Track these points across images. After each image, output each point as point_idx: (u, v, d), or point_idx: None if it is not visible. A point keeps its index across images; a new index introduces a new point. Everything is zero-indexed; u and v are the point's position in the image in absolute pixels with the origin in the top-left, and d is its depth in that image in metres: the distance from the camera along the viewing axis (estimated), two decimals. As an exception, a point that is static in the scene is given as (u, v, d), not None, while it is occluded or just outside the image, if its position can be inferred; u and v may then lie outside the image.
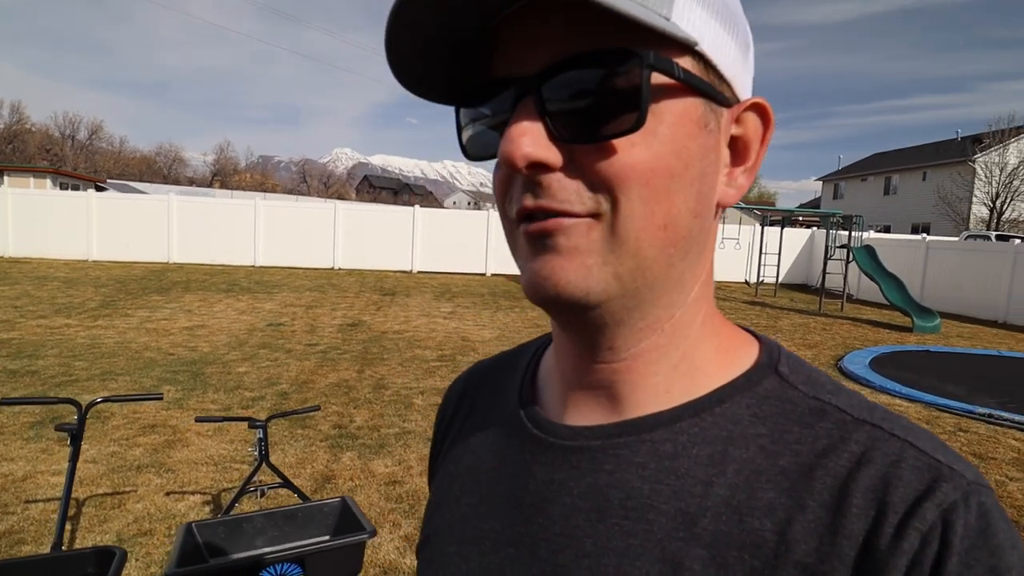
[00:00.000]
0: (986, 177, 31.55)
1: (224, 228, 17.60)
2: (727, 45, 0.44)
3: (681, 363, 0.48)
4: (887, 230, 31.15)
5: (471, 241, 18.80)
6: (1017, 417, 6.07)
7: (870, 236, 17.60)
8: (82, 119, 58.26)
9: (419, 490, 4.14)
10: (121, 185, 37.20)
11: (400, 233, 18.47)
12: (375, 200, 73.65)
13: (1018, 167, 30.72)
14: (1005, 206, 31.26)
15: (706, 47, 0.42)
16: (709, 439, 0.45)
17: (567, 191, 0.42)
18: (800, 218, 26.51)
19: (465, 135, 0.49)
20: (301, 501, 2.40)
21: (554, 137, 0.41)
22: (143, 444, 4.73)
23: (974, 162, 32.17)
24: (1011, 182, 30.90)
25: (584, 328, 0.47)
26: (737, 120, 0.46)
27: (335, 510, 2.25)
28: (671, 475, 0.45)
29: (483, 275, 18.58)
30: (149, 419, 5.25)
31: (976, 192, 31.99)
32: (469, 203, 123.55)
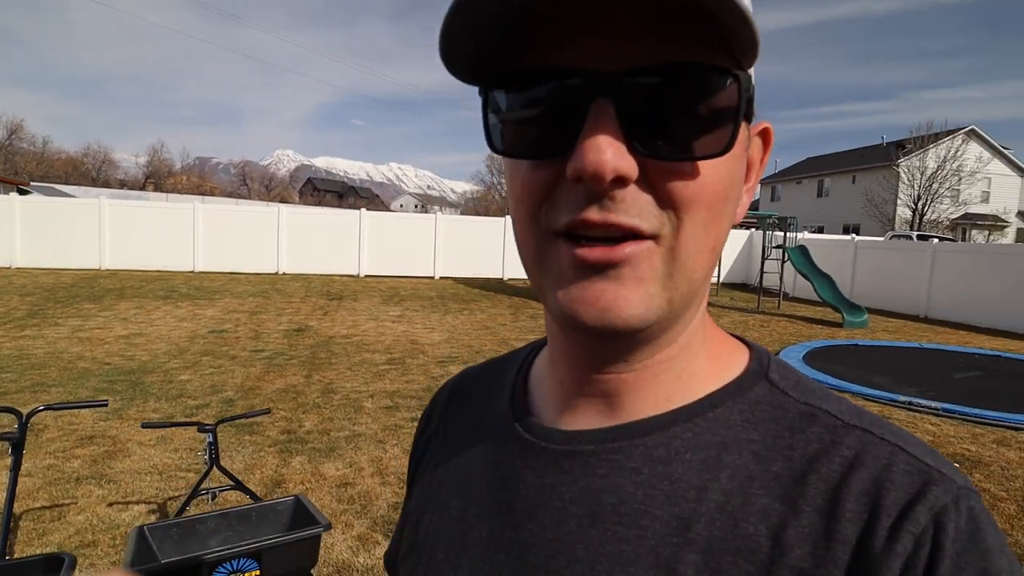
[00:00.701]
0: (908, 180, 33.42)
1: (160, 233, 16.97)
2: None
3: (683, 372, 0.48)
4: (820, 231, 32.58)
5: (419, 244, 18.73)
6: (934, 404, 6.51)
7: (804, 237, 18.40)
8: (0, 118, 55.07)
9: (371, 491, 4.16)
10: (46, 188, 35.31)
11: (347, 237, 18.23)
12: (319, 203, 72.23)
13: (936, 171, 32.66)
14: (926, 207, 33.16)
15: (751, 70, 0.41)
16: (702, 444, 0.45)
17: (639, 206, 0.39)
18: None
19: (495, 121, 0.43)
20: (254, 502, 2.42)
21: (631, 147, 0.38)
22: (81, 456, 4.58)
23: (898, 166, 34.03)
24: (931, 185, 32.82)
25: (610, 347, 0.46)
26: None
27: (289, 508, 2.28)
28: (665, 480, 0.45)
29: (431, 278, 18.53)
30: (87, 430, 5.08)
31: (900, 194, 33.85)
32: (416, 206, 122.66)
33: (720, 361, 0.50)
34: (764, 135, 0.49)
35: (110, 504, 3.87)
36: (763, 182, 47.98)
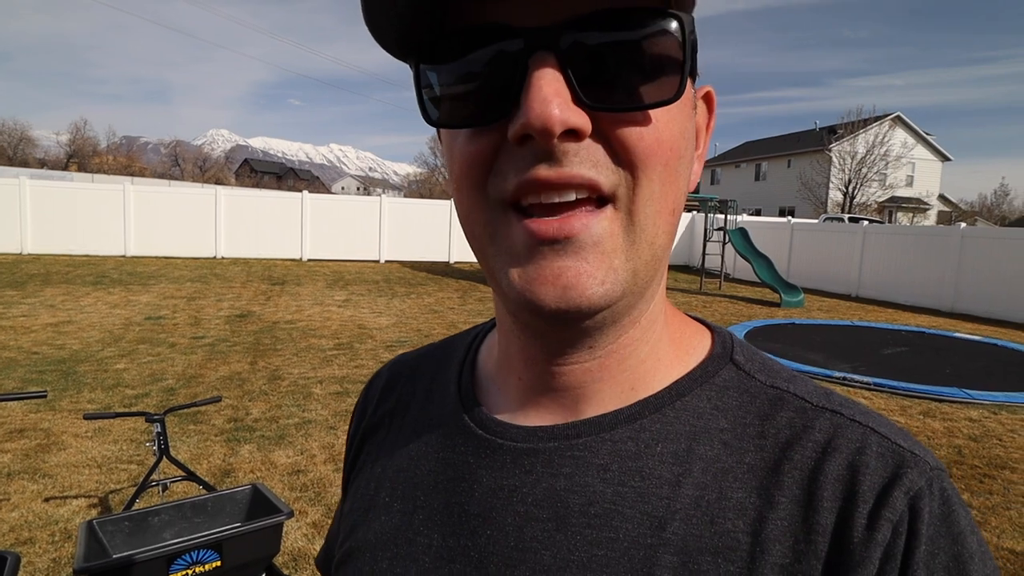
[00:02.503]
0: (840, 165, 34.89)
1: (88, 215, 16.07)
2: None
3: (649, 357, 0.46)
4: (758, 213, 33.68)
5: (364, 228, 18.39)
6: (866, 379, 6.86)
7: (743, 219, 18.98)
8: (-98, 92, 50.59)
9: (324, 478, 4.09)
10: (-43, 168, 32.90)
11: (289, 220, 17.72)
12: (257, 185, 69.84)
13: (865, 156, 34.20)
14: (856, 191, 34.73)
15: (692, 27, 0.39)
16: (673, 435, 0.43)
17: (594, 158, 0.37)
18: (681, 203, 28.03)
19: (430, 95, 0.40)
20: (208, 492, 2.34)
21: (579, 101, 0.36)
22: (11, 450, 4.33)
23: (830, 151, 35.45)
24: (860, 169, 34.36)
25: (573, 332, 0.42)
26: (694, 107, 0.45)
27: (246, 496, 2.21)
28: (635, 476, 0.42)
29: (377, 262, 18.25)
30: (16, 423, 4.80)
31: (832, 178, 35.33)
32: (358, 188, 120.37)
33: (682, 345, 0.48)
34: (708, 100, 0.48)
35: (46, 499, 3.67)
36: (704, 165, 49.14)
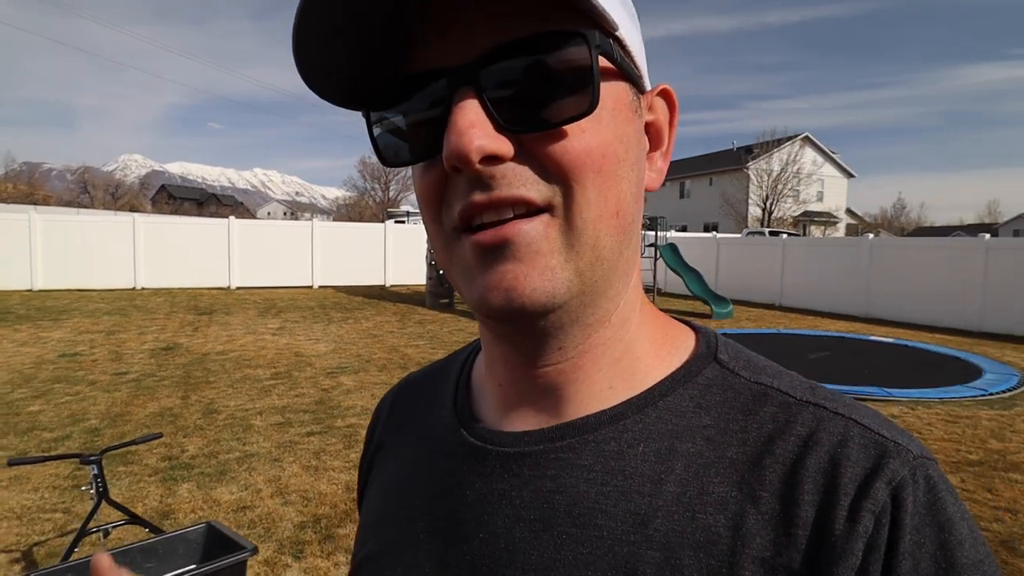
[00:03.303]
0: (757, 182, 36.80)
1: (-11, 247, 14.97)
2: (635, 33, 0.44)
3: (624, 356, 0.47)
4: (684, 229, 34.95)
5: (295, 253, 17.92)
6: (798, 382, 7.18)
7: (671, 235, 19.64)
8: None
9: (272, 512, 3.91)
10: None
11: (214, 247, 17.05)
12: (176, 212, 66.84)
13: (780, 173, 36.21)
14: (773, 206, 36.65)
15: (623, 33, 0.41)
16: (654, 435, 0.44)
17: (522, 177, 0.39)
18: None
19: (383, 141, 0.44)
20: (156, 535, 2.19)
21: (500, 127, 0.38)
22: (-87, 506, 3.92)
23: (747, 169, 37.34)
24: (776, 186, 36.33)
25: (536, 333, 0.44)
26: (649, 107, 0.47)
27: (200, 535, 2.08)
28: (618, 475, 0.43)
29: (310, 287, 17.78)
30: (-83, 476, 4.36)
31: (751, 195, 37.17)
32: (285, 213, 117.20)
33: (665, 345, 0.49)
34: (666, 97, 0.48)
35: (-42, 558, 3.34)
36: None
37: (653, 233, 16.57)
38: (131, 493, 4.16)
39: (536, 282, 0.39)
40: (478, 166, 0.38)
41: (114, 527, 2.54)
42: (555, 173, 0.39)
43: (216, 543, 2.04)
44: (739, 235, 23.32)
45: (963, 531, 0.38)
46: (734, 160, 40.60)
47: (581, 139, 0.39)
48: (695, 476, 0.42)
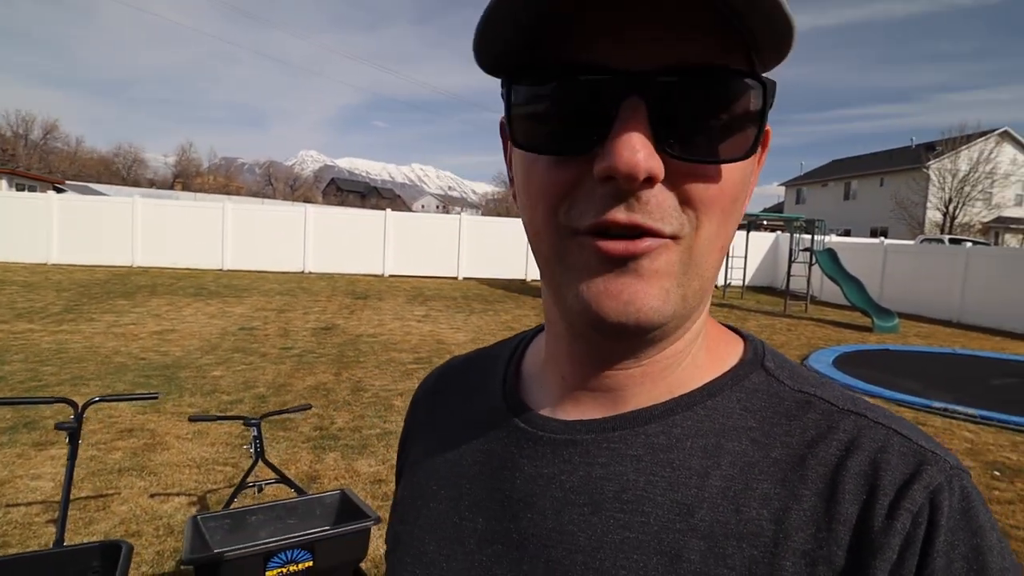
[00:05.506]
0: (939, 183, 32.79)
1: (190, 231, 17.29)
2: None
3: (689, 366, 0.49)
4: (847, 234, 32.12)
5: (443, 245, 18.83)
6: (970, 411, 6.39)
7: (831, 240, 18.15)
8: (36, 118, 56.05)
9: (404, 488, 4.20)
10: (79, 186, 36.15)
11: (372, 237, 18.39)
12: (342, 203, 72.86)
13: (968, 174, 32.01)
14: (957, 211, 32.52)
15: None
16: (702, 431, 0.46)
17: (663, 209, 0.40)
18: (765, 222, 27.16)
19: (520, 115, 0.43)
20: (299, 495, 2.46)
21: (660, 148, 0.39)
22: (122, 448, 4.69)
23: (928, 168, 33.41)
24: (963, 188, 32.18)
25: (625, 343, 0.46)
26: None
27: (335, 501, 2.32)
28: (666, 467, 0.45)
29: (455, 279, 18.61)
30: (126, 423, 5.20)
31: (930, 197, 33.23)
32: (437, 207, 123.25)
33: (716, 351, 0.51)
34: (765, 137, 0.49)
35: (152, 495, 3.96)
36: (787, 184, 47.44)
37: (809, 237, 15.42)
38: (287, 456, 4.66)
39: (654, 301, 0.41)
40: (638, 186, 0.38)
41: (266, 484, 2.89)
42: (692, 205, 0.41)
43: (347, 508, 2.26)
44: (911, 242, 21.00)
45: (993, 539, 0.39)
46: (912, 158, 36.44)
47: (724, 179, 0.41)
48: (740, 472, 0.44)
